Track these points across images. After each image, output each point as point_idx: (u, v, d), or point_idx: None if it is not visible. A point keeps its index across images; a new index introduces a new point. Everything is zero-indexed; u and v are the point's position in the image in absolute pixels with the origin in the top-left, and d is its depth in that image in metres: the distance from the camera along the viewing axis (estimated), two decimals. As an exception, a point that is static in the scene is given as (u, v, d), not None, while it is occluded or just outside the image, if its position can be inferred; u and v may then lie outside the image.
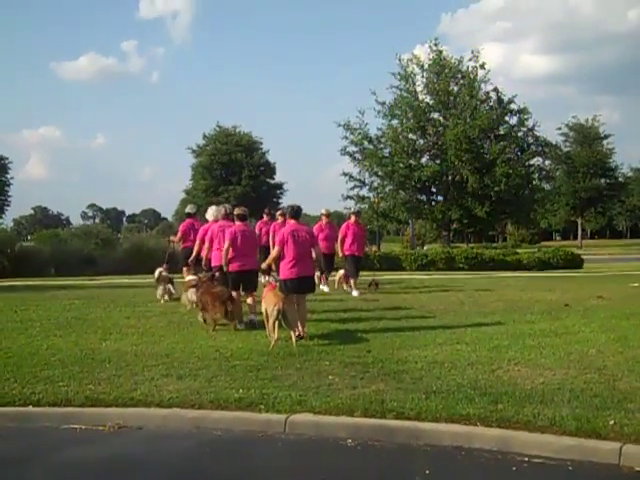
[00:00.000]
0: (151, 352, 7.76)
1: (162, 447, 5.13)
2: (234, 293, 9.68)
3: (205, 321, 9.62)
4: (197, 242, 11.34)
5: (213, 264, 10.53)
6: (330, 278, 14.98)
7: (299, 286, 8.90)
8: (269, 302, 8.39)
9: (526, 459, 4.60)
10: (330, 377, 6.43)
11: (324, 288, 14.37)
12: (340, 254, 14.46)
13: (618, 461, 4.47)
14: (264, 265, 9.46)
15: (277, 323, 8.09)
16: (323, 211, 14.82)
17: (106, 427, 5.46)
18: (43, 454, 5.00)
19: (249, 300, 10.16)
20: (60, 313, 11.27)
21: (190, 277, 11.23)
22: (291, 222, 9.24)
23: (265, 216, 16.36)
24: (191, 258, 11.51)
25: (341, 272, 14.89)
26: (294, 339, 8.12)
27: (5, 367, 7.07)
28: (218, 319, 9.38)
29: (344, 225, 14.77)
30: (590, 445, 4.63)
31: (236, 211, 10.36)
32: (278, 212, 15.56)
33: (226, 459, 4.85)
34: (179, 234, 13.28)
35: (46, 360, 7.37)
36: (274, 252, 9.13)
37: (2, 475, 4.62)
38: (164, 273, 12.75)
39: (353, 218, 14.79)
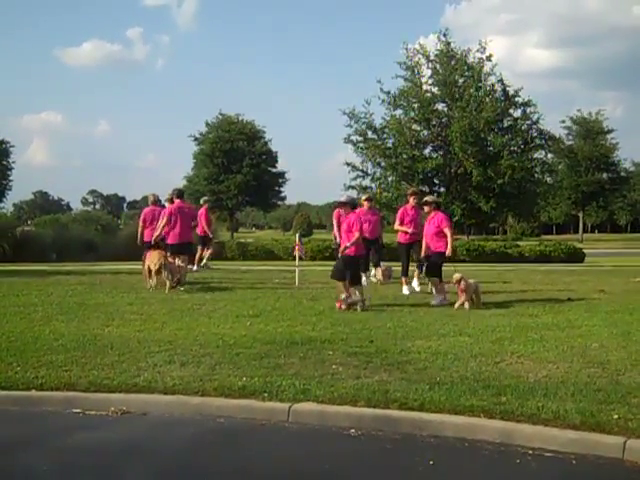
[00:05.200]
0: (154, 338, 7.75)
1: (165, 433, 5.13)
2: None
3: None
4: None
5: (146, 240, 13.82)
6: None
7: (181, 249, 12.56)
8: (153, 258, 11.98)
9: (529, 452, 4.59)
10: (333, 366, 6.43)
11: (404, 291, 12.55)
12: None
13: (622, 455, 4.47)
14: (154, 238, 12.80)
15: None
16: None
17: (109, 412, 5.46)
18: (46, 438, 5.00)
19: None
20: (62, 298, 11.27)
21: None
22: (177, 201, 12.81)
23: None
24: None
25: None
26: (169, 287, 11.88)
27: (8, 351, 7.07)
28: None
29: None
30: (594, 439, 4.62)
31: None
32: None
33: (229, 447, 4.85)
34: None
35: (49, 345, 7.37)
36: (163, 222, 12.56)
37: (5, 459, 4.60)
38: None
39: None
